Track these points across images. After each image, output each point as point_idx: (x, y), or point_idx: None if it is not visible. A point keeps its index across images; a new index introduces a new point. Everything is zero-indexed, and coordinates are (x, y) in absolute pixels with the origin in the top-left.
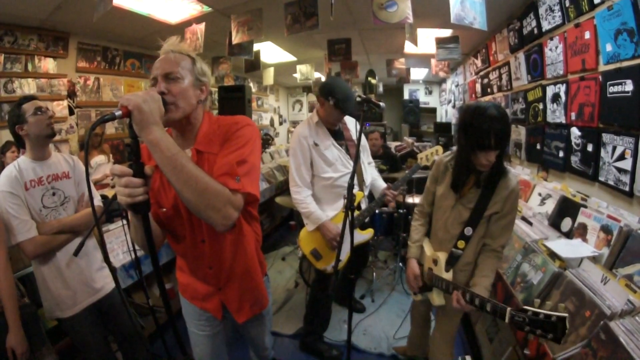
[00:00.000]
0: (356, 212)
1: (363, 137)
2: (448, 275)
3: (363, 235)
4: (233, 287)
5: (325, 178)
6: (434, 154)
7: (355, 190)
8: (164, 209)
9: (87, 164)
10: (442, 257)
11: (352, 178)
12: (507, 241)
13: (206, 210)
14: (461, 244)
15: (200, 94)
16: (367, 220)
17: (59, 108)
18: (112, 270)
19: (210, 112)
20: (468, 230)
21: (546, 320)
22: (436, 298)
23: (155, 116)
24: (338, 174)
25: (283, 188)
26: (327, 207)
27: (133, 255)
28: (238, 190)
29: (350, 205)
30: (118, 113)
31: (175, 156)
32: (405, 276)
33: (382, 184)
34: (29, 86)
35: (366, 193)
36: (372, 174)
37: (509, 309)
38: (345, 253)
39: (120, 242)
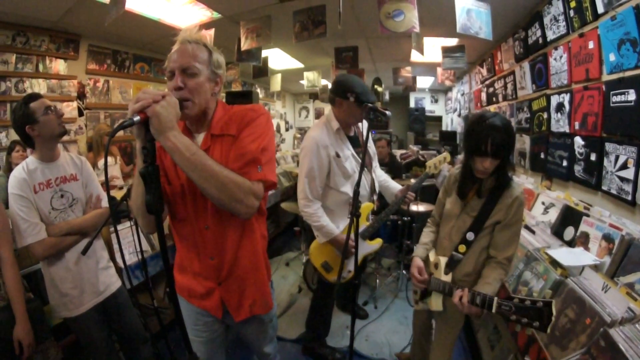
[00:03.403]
0: (366, 223)
1: (372, 144)
2: (447, 278)
3: (372, 246)
4: (234, 282)
5: (341, 192)
6: (442, 162)
7: (365, 201)
8: (169, 186)
9: (106, 171)
10: (443, 260)
11: (357, 184)
12: (513, 254)
13: (230, 202)
14: (462, 248)
15: (214, 86)
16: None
17: (69, 109)
18: (125, 267)
19: (223, 102)
20: (470, 235)
21: (532, 307)
22: (434, 303)
23: (173, 121)
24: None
25: (289, 194)
26: (339, 220)
27: (140, 257)
28: (260, 179)
29: (355, 211)
30: (136, 119)
31: (194, 156)
32: (410, 274)
33: (395, 185)
34: (39, 86)
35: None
36: (379, 176)
37: (496, 298)
38: (352, 264)
39: (127, 242)
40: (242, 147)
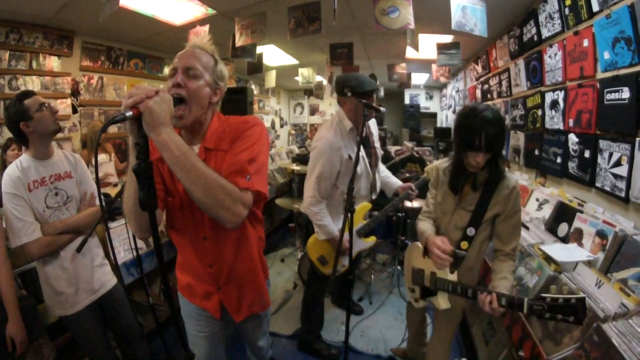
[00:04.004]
0: (363, 222)
1: (378, 140)
2: (453, 277)
3: (367, 243)
4: (232, 287)
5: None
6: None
7: (365, 201)
8: (170, 198)
9: (96, 167)
10: None
11: (351, 181)
12: (517, 244)
13: (215, 208)
14: (464, 244)
15: (213, 96)
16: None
17: (63, 106)
18: (116, 265)
19: (220, 112)
20: (470, 231)
21: (566, 304)
22: (442, 302)
23: (166, 117)
24: (361, 190)
25: (283, 190)
26: (341, 217)
27: (135, 254)
28: (248, 188)
29: (350, 207)
30: (129, 114)
31: (184, 155)
32: (430, 250)
33: (396, 181)
34: (33, 83)
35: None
36: (381, 172)
37: (526, 299)
38: (347, 259)
39: (122, 240)
40: (232, 157)
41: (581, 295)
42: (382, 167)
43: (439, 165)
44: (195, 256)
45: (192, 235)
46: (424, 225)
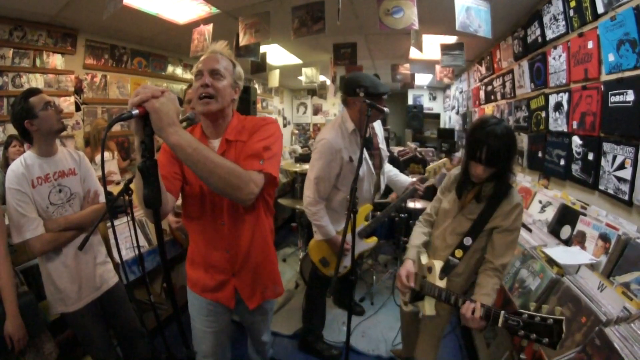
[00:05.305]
0: (365, 223)
1: (384, 141)
2: (442, 283)
3: (368, 244)
4: (247, 273)
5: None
6: (441, 168)
7: (367, 202)
8: (189, 187)
9: (103, 164)
10: (437, 265)
11: (355, 181)
12: (509, 261)
13: (232, 190)
14: (459, 253)
15: (233, 93)
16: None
17: (66, 104)
18: (121, 262)
19: (237, 112)
20: (467, 240)
21: (542, 324)
22: (427, 308)
23: (173, 117)
24: (363, 193)
25: (286, 190)
26: (342, 220)
27: (136, 252)
28: (261, 170)
29: (353, 207)
30: (135, 112)
31: (196, 150)
32: (397, 275)
33: (405, 179)
34: (36, 81)
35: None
36: (389, 171)
37: (502, 311)
38: (349, 260)
39: (124, 238)
40: (250, 146)
41: (560, 316)
42: (389, 166)
43: (453, 171)
44: (212, 243)
45: (210, 222)
46: (415, 239)
